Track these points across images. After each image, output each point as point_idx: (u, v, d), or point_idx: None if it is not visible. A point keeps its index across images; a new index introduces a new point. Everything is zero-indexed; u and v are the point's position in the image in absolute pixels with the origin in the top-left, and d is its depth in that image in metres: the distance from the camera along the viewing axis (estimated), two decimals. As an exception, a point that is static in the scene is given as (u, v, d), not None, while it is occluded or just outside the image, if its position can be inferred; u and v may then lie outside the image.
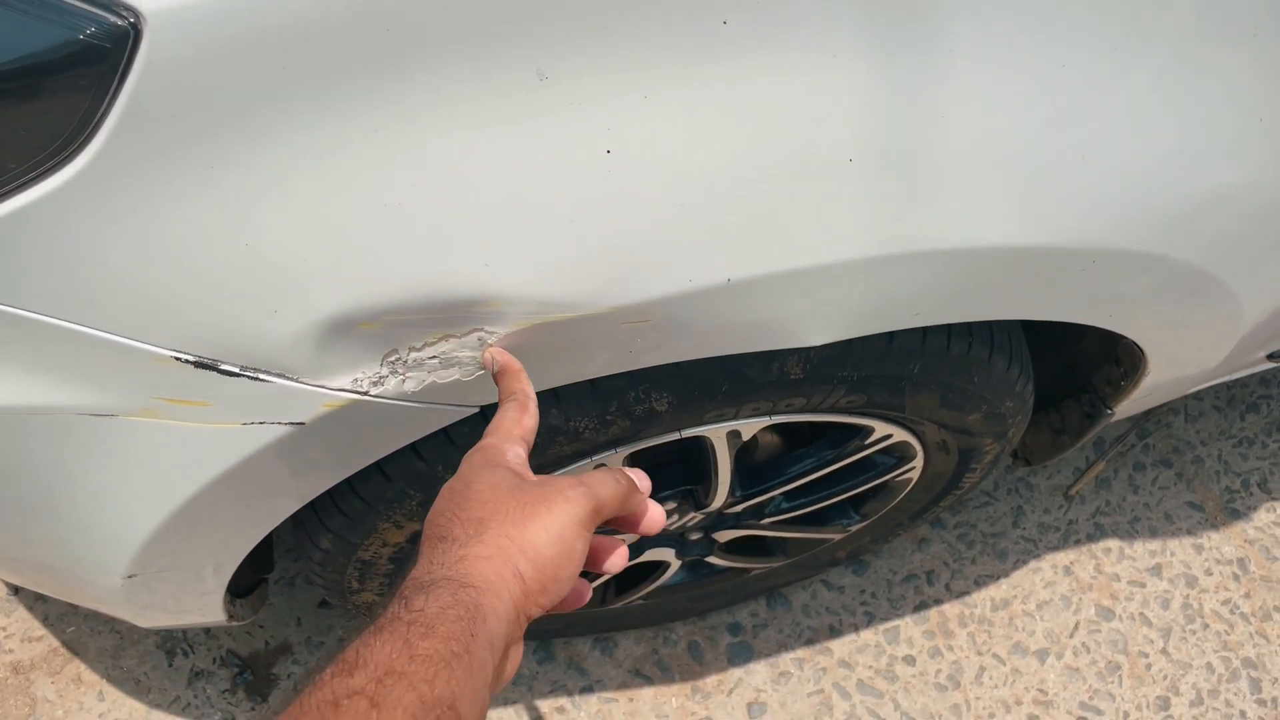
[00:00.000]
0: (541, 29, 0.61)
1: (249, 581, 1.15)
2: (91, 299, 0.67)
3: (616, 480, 0.62)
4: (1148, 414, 1.82)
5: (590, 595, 0.64)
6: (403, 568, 1.08)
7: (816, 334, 0.79)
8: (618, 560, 0.64)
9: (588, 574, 0.62)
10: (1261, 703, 1.58)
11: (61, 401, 0.73)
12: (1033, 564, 1.68)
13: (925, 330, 0.91)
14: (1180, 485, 1.77)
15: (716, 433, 1.01)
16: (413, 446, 0.84)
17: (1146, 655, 1.61)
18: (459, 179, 0.64)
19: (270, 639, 1.53)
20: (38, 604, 1.52)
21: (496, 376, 0.70)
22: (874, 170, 0.69)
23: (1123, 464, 1.78)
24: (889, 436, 1.13)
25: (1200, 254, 0.85)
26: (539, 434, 0.87)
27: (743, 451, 1.10)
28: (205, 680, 1.49)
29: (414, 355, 0.71)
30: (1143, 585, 1.67)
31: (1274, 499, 1.76)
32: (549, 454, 0.92)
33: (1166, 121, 0.75)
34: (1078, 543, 1.70)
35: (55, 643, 1.49)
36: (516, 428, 0.65)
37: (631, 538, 1.00)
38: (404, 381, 0.72)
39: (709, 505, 1.16)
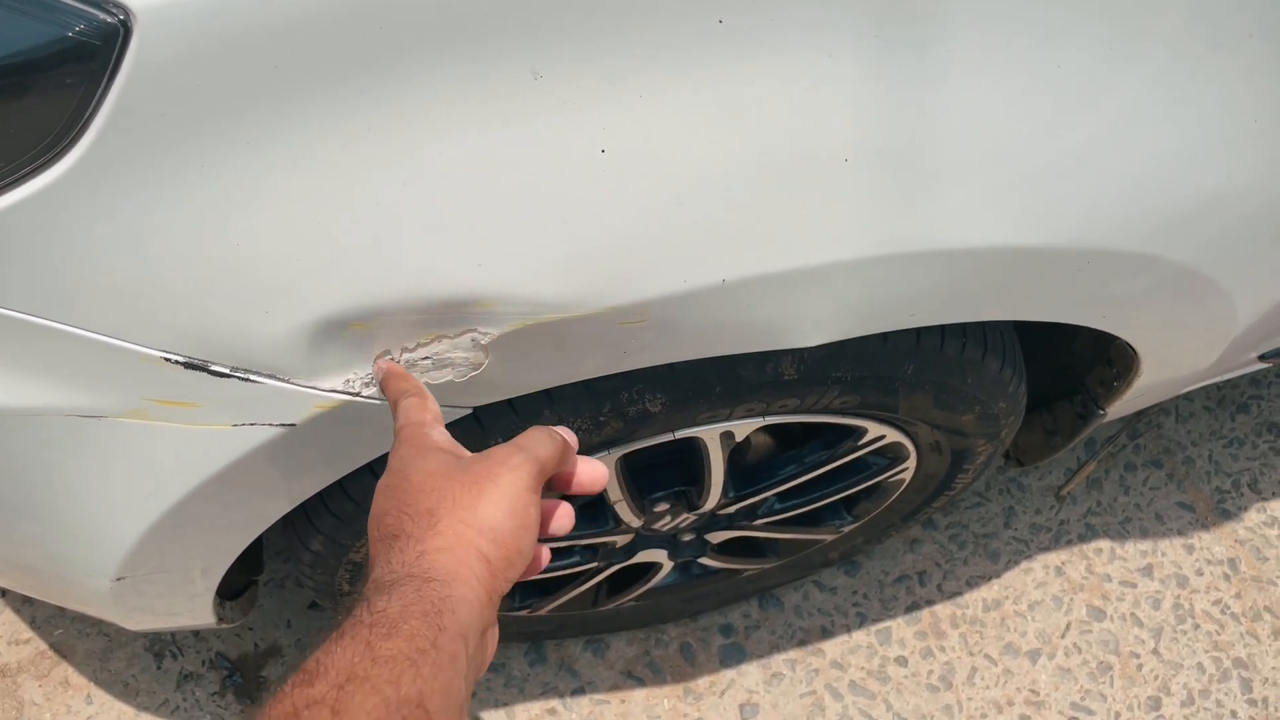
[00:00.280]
0: (536, 28, 0.60)
1: (239, 584, 1.14)
2: (80, 299, 0.66)
3: (551, 437, 0.61)
4: (1139, 414, 1.82)
5: (548, 559, 0.64)
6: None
7: (811, 335, 0.78)
8: (563, 522, 0.63)
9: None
10: (1252, 702, 1.59)
11: (50, 402, 0.72)
12: (1024, 564, 1.68)
13: (919, 331, 0.91)
14: (1171, 486, 1.77)
15: (710, 434, 1.00)
16: (405, 448, 0.83)
17: (1138, 655, 1.61)
18: (452, 179, 0.64)
19: (260, 641, 1.52)
20: (25, 607, 1.50)
21: (382, 385, 0.68)
22: (870, 171, 0.69)
23: (1114, 464, 1.78)
24: (882, 437, 1.12)
25: (1194, 255, 0.85)
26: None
27: (736, 452, 1.10)
28: (194, 683, 1.48)
29: (406, 356, 0.71)
30: (1134, 585, 1.67)
31: (1264, 499, 1.77)
32: (542, 455, 0.92)
33: (1162, 123, 0.75)
34: (1069, 543, 1.70)
35: (43, 645, 1.48)
36: (425, 413, 0.64)
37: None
38: (397, 382, 0.72)
39: (702, 506, 1.16)
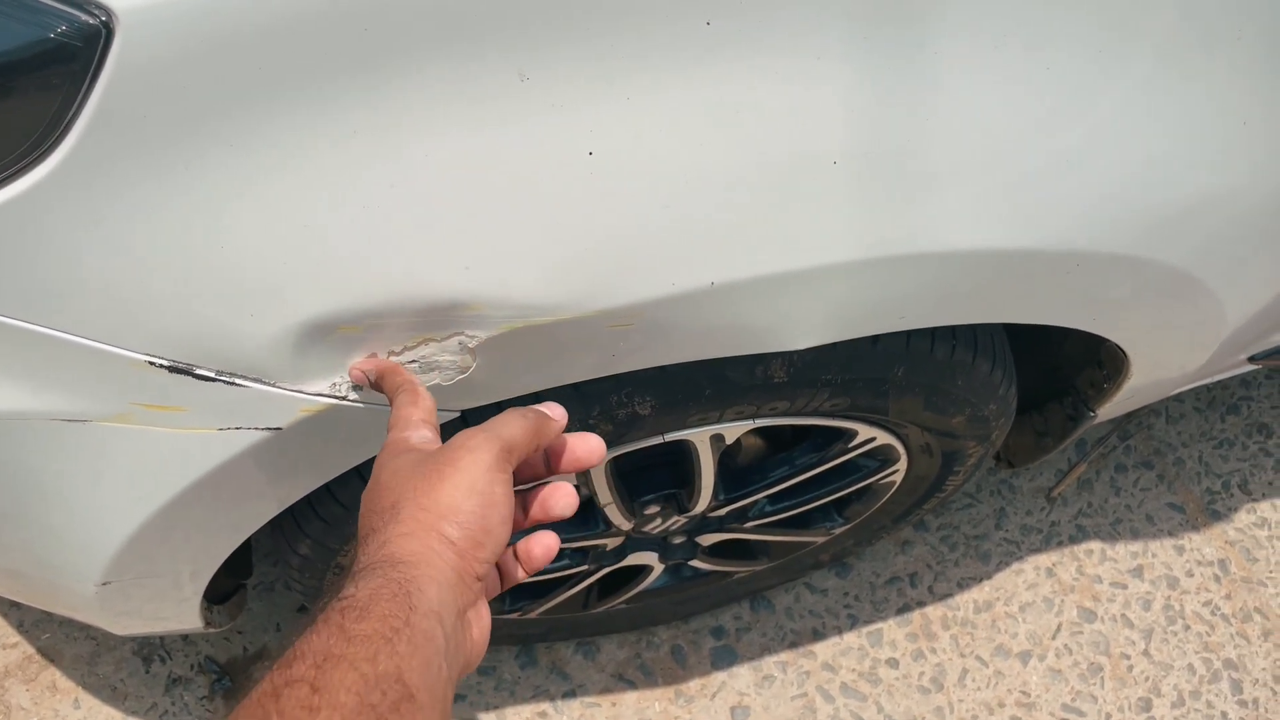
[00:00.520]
0: (523, 30, 0.60)
1: (227, 587, 1.13)
2: (63, 302, 0.65)
3: (523, 416, 0.61)
4: (1129, 416, 1.82)
5: (554, 545, 0.63)
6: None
7: (801, 338, 0.78)
8: (563, 501, 0.63)
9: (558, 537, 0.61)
10: (1243, 704, 1.59)
11: (33, 406, 0.71)
12: (1015, 566, 1.68)
13: (909, 334, 0.91)
14: (1161, 487, 1.77)
15: (700, 436, 1.00)
16: (393, 451, 0.83)
17: (1128, 657, 1.62)
18: (440, 181, 0.63)
19: (249, 645, 1.51)
20: (12, 611, 1.49)
21: (377, 383, 0.68)
22: (859, 173, 0.69)
23: (1104, 465, 1.78)
24: (872, 440, 1.12)
25: (1184, 258, 0.85)
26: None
27: (726, 455, 1.09)
28: (183, 687, 1.47)
29: (393, 359, 0.70)
30: (1124, 587, 1.67)
31: (1254, 500, 1.77)
32: (531, 458, 0.91)
33: (1152, 126, 0.75)
34: (1060, 544, 1.70)
35: (30, 649, 1.47)
36: (415, 412, 0.63)
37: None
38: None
39: (692, 509, 1.16)
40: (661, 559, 1.30)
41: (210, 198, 0.62)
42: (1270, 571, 1.71)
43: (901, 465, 1.21)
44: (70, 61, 0.56)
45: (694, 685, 1.54)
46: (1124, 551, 1.71)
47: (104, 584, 0.88)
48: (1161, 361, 1.07)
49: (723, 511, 1.21)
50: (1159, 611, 1.66)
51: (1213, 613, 1.66)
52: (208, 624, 1.07)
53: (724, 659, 1.57)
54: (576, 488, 1.05)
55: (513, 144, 0.63)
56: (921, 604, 1.63)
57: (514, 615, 1.32)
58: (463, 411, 0.79)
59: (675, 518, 1.18)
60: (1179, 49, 0.73)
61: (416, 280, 0.66)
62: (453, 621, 0.52)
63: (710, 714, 1.52)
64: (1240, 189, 0.83)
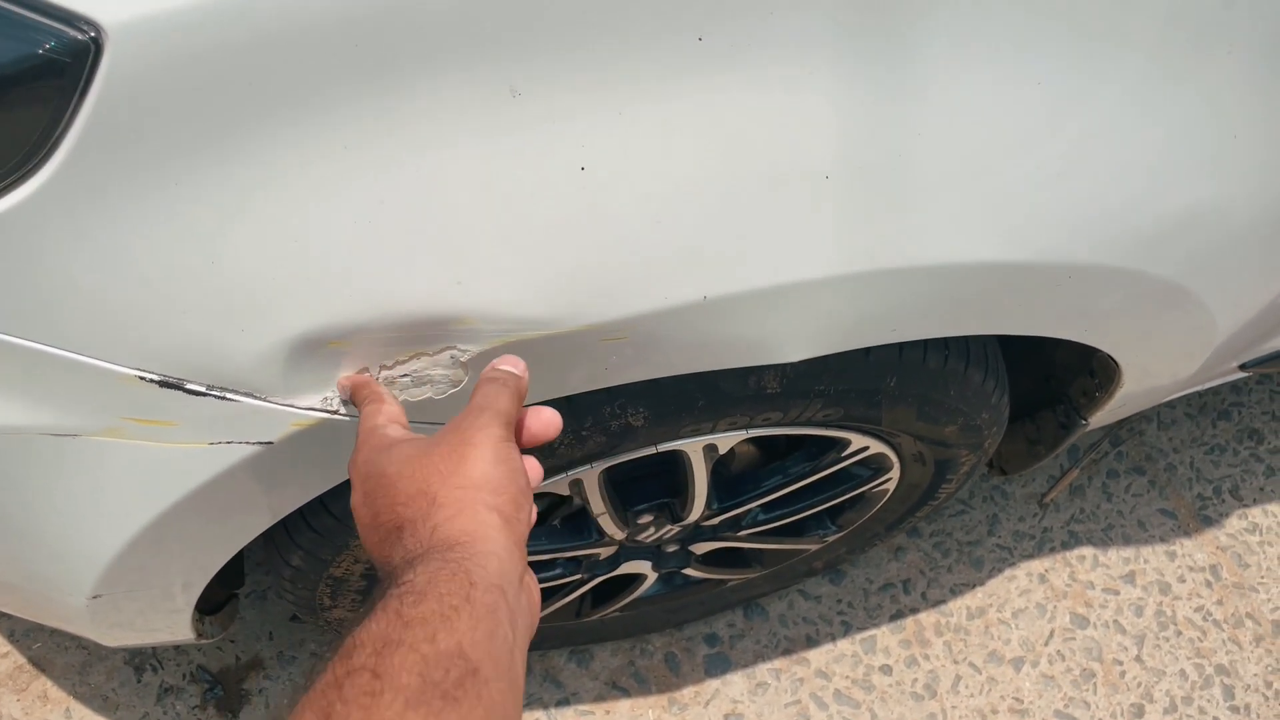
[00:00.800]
0: (514, 45, 0.60)
1: (219, 598, 1.13)
2: (54, 317, 0.65)
3: (503, 384, 0.62)
4: (1121, 422, 1.83)
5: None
6: (375, 584, 1.07)
7: (793, 350, 0.78)
8: (532, 474, 0.63)
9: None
10: (1235, 709, 1.59)
11: (23, 421, 0.71)
12: (1008, 572, 1.68)
13: (901, 344, 0.91)
14: (1153, 492, 1.78)
15: (693, 447, 1.00)
16: (385, 464, 0.83)
17: (1121, 663, 1.62)
18: (431, 196, 0.63)
19: (241, 654, 1.50)
20: (3, 621, 1.49)
21: (352, 397, 0.68)
22: (851, 187, 0.69)
23: (1096, 471, 1.79)
24: (865, 449, 1.12)
25: (1175, 269, 0.85)
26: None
27: (719, 464, 1.09)
28: (175, 696, 1.46)
29: (385, 374, 0.70)
30: (1116, 593, 1.68)
31: (1245, 506, 1.78)
32: (524, 470, 0.91)
33: (1141, 139, 0.75)
34: (1052, 550, 1.71)
35: (21, 659, 1.47)
36: (380, 416, 0.64)
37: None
38: (375, 400, 0.71)
39: (686, 518, 1.16)
40: (655, 567, 1.30)
41: (200, 213, 0.62)
42: (1262, 577, 1.71)
43: (894, 474, 1.21)
44: (59, 77, 0.56)
45: (688, 693, 1.54)
46: (1116, 557, 1.71)
47: (95, 597, 0.87)
48: (1153, 370, 1.07)
49: (716, 520, 1.21)
50: (1151, 617, 1.66)
51: (1205, 618, 1.67)
52: (199, 635, 1.07)
53: (718, 666, 1.56)
54: (569, 499, 1.05)
55: (505, 159, 0.63)
56: (915, 610, 1.64)
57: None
58: (455, 424, 0.78)
59: (669, 527, 1.18)
60: (1168, 64, 0.73)
61: (408, 295, 0.66)
62: (514, 591, 0.53)
63: (704, 722, 1.52)
64: (1230, 201, 0.83)
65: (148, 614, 0.97)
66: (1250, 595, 1.69)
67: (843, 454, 1.13)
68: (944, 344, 0.95)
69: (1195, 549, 1.73)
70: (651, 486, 1.16)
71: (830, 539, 1.36)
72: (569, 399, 0.83)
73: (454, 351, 0.69)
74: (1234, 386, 1.90)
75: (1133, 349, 1.00)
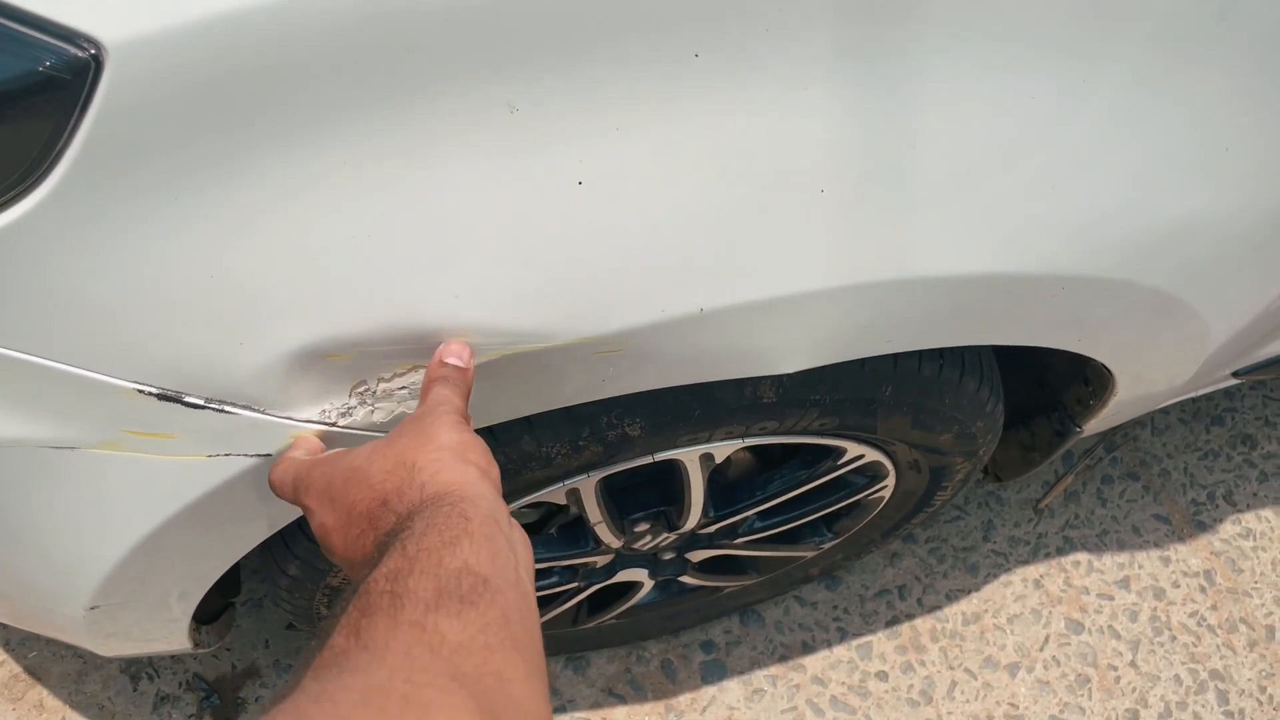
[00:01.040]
0: (512, 62, 0.60)
1: (215, 607, 1.13)
2: (53, 330, 0.65)
3: (452, 383, 0.65)
4: (1115, 428, 1.83)
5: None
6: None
7: (789, 362, 0.78)
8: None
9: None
10: (1229, 715, 1.60)
11: (22, 434, 0.71)
12: (1003, 578, 1.69)
13: (897, 354, 0.91)
14: (1147, 498, 1.79)
15: (689, 456, 1.00)
16: (382, 475, 0.83)
17: (1115, 668, 1.62)
18: (429, 211, 0.64)
19: (238, 662, 1.50)
20: (-2, 629, 1.49)
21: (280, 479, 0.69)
22: (845, 201, 0.69)
23: (1091, 477, 1.79)
24: (861, 457, 1.13)
25: (1167, 279, 0.86)
26: (510, 460, 0.87)
27: (716, 472, 1.10)
28: (171, 705, 1.46)
29: (383, 386, 0.70)
30: (1111, 598, 1.68)
31: (1239, 511, 1.79)
32: (520, 480, 0.92)
33: (1134, 150, 0.76)
34: (1047, 556, 1.71)
35: (16, 668, 1.46)
36: (303, 448, 0.69)
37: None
38: (372, 412, 0.72)
39: (682, 526, 1.16)
40: (651, 575, 1.30)
41: (200, 228, 0.62)
42: (1255, 582, 1.72)
43: (890, 481, 1.21)
44: (59, 94, 0.56)
45: (684, 700, 1.54)
46: (1111, 563, 1.71)
47: (92, 608, 0.88)
48: (1147, 378, 1.08)
49: (712, 528, 1.22)
50: (1146, 623, 1.67)
51: (1199, 623, 1.67)
52: (196, 645, 1.07)
53: (714, 673, 1.57)
54: (565, 508, 1.06)
55: (502, 174, 0.64)
56: (910, 616, 1.64)
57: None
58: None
59: (665, 535, 1.19)
60: (1158, 76, 0.74)
61: (405, 308, 0.66)
62: (507, 523, 0.56)
63: (700, 728, 1.52)
64: (1222, 211, 0.83)
65: (144, 624, 0.97)
66: (1244, 600, 1.70)
67: (838, 462, 1.13)
68: (939, 353, 0.96)
69: (1189, 554, 1.74)
70: (648, 494, 1.16)
71: (826, 546, 1.37)
72: (566, 410, 0.83)
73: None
74: (1227, 393, 1.90)
75: (1126, 358, 1.01)
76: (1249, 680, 1.63)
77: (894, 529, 1.41)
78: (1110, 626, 1.66)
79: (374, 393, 0.70)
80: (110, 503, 0.76)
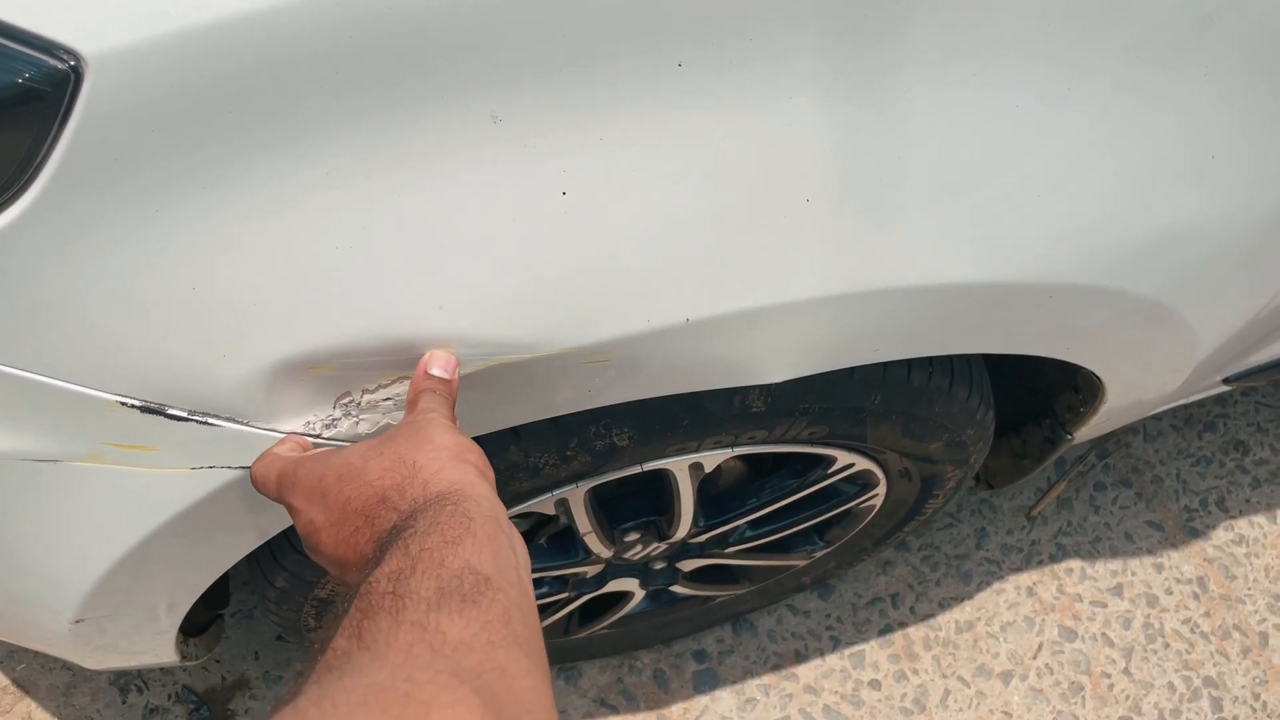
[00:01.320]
0: (495, 72, 0.60)
1: (203, 619, 1.12)
2: (34, 343, 0.65)
3: (440, 395, 0.66)
4: (1107, 434, 1.83)
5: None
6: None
7: (776, 371, 0.78)
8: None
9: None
10: (1222, 721, 1.60)
11: (3, 447, 0.70)
12: (996, 585, 1.69)
13: (885, 362, 0.91)
14: (1140, 505, 1.78)
15: (679, 465, 1.00)
16: (368, 486, 0.83)
17: (1109, 676, 1.62)
18: (412, 222, 0.63)
19: (227, 674, 1.50)
20: (-14, 641, 1.48)
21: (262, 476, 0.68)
22: (831, 210, 0.69)
23: (1083, 484, 1.79)
24: (851, 465, 1.12)
25: (1156, 286, 0.86)
26: (498, 470, 0.86)
27: (706, 482, 1.09)
28: (160, 717, 1.45)
29: (367, 398, 0.70)
30: (1104, 605, 1.68)
31: (1232, 517, 1.79)
32: (509, 490, 0.91)
33: (1120, 159, 0.76)
34: (1040, 563, 1.71)
35: (5, 681, 1.46)
36: (288, 445, 0.69)
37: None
38: (357, 424, 0.71)
39: (673, 536, 1.16)
40: (642, 585, 1.30)
41: (183, 240, 0.62)
42: (1248, 589, 1.72)
43: (881, 490, 1.21)
44: (39, 105, 0.56)
45: (676, 709, 1.54)
46: (1104, 570, 1.71)
47: (78, 621, 0.87)
48: (1137, 386, 1.08)
49: (703, 537, 1.21)
50: (1139, 630, 1.66)
51: (1192, 630, 1.67)
52: (184, 657, 1.06)
53: (706, 682, 1.56)
54: (555, 518, 1.05)
55: (486, 184, 0.63)
56: (903, 625, 1.64)
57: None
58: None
59: (655, 544, 1.18)
60: (1144, 85, 0.74)
61: (390, 320, 0.66)
62: (506, 522, 0.56)
63: (693, 738, 1.52)
64: (1209, 219, 0.83)
65: (131, 637, 0.96)
66: (1237, 607, 1.70)
67: (829, 471, 1.13)
68: (928, 361, 0.95)
69: (1182, 561, 1.74)
70: (637, 504, 1.16)
71: (818, 554, 1.36)
72: (553, 420, 0.83)
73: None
74: (1219, 399, 1.90)
75: (1116, 365, 1.01)
76: (1242, 687, 1.63)
77: (886, 537, 1.41)
78: (1103, 634, 1.66)
79: (358, 404, 0.70)
80: (94, 516, 0.75)
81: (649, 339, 0.71)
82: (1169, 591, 1.70)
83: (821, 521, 1.28)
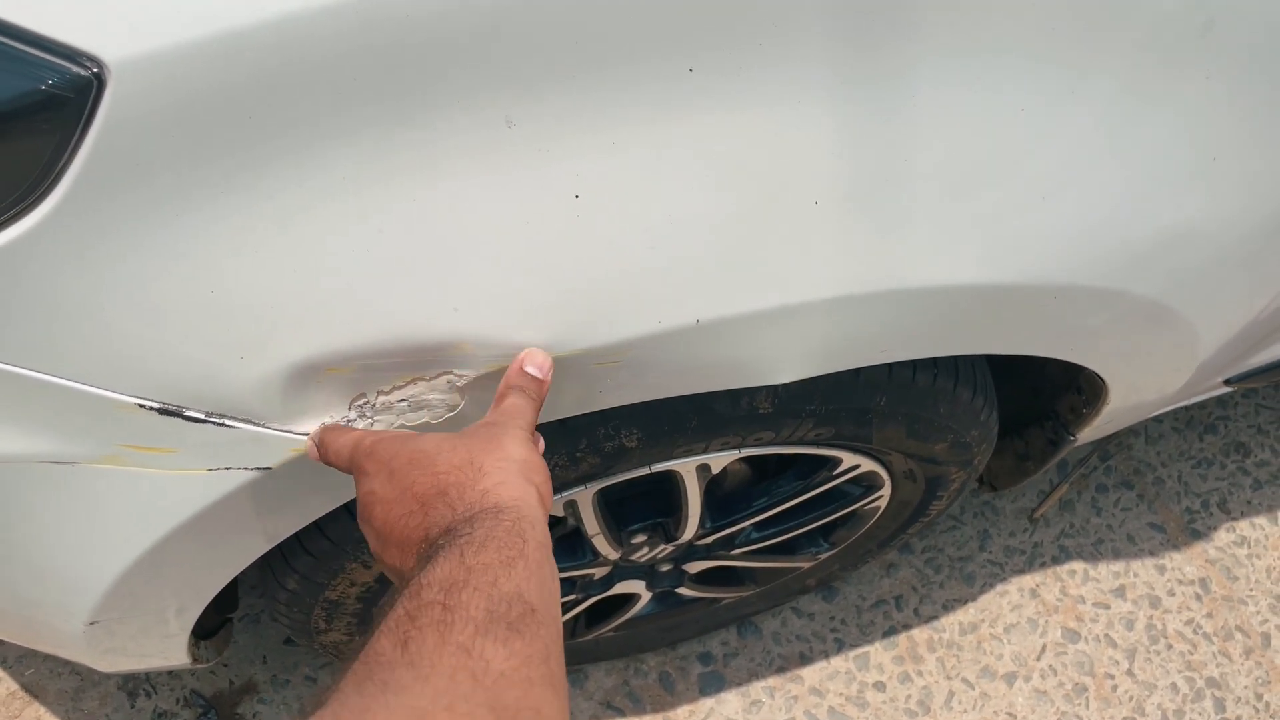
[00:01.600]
0: (509, 78, 0.61)
1: (213, 622, 1.13)
2: (54, 346, 0.66)
3: (528, 395, 0.67)
4: (1108, 436, 1.84)
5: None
6: (370, 607, 1.07)
7: (784, 372, 0.79)
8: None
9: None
10: (1225, 722, 1.60)
11: (22, 450, 0.71)
12: (999, 587, 1.69)
13: (891, 364, 0.92)
14: (1142, 506, 1.79)
15: (686, 467, 1.01)
16: (381, 488, 0.83)
17: (1112, 677, 1.63)
18: (428, 225, 0.64)
19: (235, 678, 1.50)
20: (-5, 646, 1.48)
21: (325, 439, 0.69)
22: (839, 212, 0.70)
23: (1085, 486, 1.80)
24: (857, 467, 1.13)
25: (1158, 287, 0.86)
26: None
27: (712, 483, 1.10)
28: (168, 721, 1.46)
29: (382, 399, 0.71)
30: (1107, 607, 1.69)
31: (1233, 519, 1.79)
32: (519, 492, 0.92)
33: (1123, 161, 0.77)
34: (1043, 565, 1.72)
35: (14, 686, 1.46)
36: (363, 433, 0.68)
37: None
38: (372, 424, 0.72)
39: (679, 538, 1.16)
40: (649, 587, 1.31)
41: (201, 243, 0.63)
42: (1250, 589, 1.72)
43: (886, 491, 1.22)
44: (61, 112, 0.57)
45: (682, 712, 1.54)
46: (1106, 571, 1.72)
47: (92, 623, 0.88)
48: (1139, 387, 1.09)
49: (710, 539, 1.22)
50: (1142, 631, 1.67)
51: (1195, 631, 1.68)
52: (195, 660, 1.07)
53: (712, 685, 1.57)
54: (563, 519, 1.06)
55: (500, 188, 0.64)
56: (907, 627, 1.64)
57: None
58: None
59: (662, 546, 1.19)
60: (1146, 89, 0.75)
61: (405, 322, 0.67)
62: (549, 551, 0.57)
63: (699, 740, 1.52)
64: (1211, 220, 0.84)
65: (144, 639, 0.97)
66: (1239, 608, 1.71)
67: (834, 472, 1.14)
68: (933, 363, 0.96)
69: (1184, 562, 1.74)
70: (644, 506, 1.16)
71: (823, 556, 1.37)
72: (563, 421, 0.84)
73: (450, 376, 0.70)
74: (1220, 401, 1.91)
75: (1118, 366, 1.02)
76: (1245, 688, 1.63)
77: (890, 539, 1.41)
78: (1107, 635, 1.66)
79: (373, 405, 0.71)
80: (111, 517, 0.76)
81: (660, 340, 0.72)
82: (1171, 593, 1.71)
83: (827, 523, 1.29)
